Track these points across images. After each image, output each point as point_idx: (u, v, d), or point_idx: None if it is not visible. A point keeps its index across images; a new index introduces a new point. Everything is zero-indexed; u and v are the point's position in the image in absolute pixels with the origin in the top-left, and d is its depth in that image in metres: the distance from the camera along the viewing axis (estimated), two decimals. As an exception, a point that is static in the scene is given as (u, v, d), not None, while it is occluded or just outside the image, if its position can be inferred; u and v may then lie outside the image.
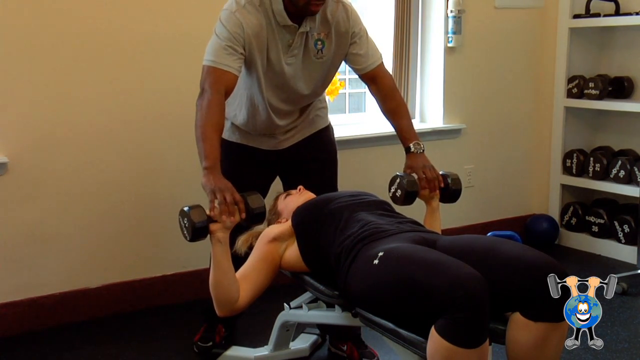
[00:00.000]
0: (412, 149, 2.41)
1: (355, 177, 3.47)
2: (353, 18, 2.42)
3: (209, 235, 2.02)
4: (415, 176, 2.34)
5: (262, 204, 2.07)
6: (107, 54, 2.97)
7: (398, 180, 2.33)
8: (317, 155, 2.64)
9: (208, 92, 2.23)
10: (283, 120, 2.52)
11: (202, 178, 2.10)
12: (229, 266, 2.03)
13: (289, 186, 2.60)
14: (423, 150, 2.42)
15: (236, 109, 2.51)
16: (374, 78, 2.49)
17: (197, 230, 1.97)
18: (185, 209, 1.99)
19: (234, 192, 2.05)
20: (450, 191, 2.39)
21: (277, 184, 2.70)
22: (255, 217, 2.06)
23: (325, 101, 2.71)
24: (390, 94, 2.51)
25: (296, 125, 2.59)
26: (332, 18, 2.37)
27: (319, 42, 2.37)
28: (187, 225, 1.99)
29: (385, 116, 2.53)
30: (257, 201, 2.06)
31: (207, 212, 2.01)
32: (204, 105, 2.21)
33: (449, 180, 2.39)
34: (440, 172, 2.42)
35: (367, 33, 2.48)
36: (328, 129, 2.70)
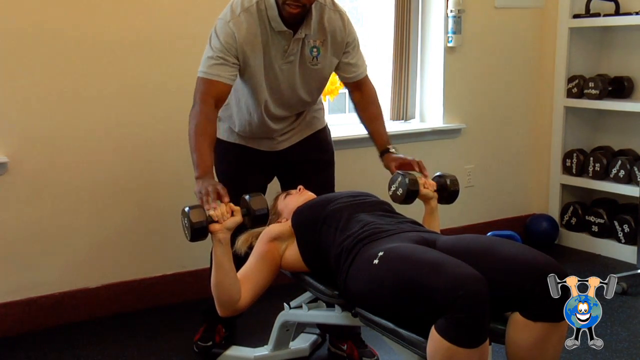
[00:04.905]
0: (392, 150, 2.48)
1: (354, 177, 3.48)
2: (349, 28, 2.45)
3: (210, 235, 2.03)
4: (416, 175, 2.34)
5: (265, 205, 2.07)
6: (108, 54, 2.97)
7: (399, 179, 2.33)
8: (314, 156, 2.65)
9: (197, 103, 2.29)
10: (279, 125, 2.54)
11: (194, 188, 2.14)
12: (230, 266, 2.03)
13: (286, 187, 2.61)
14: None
15: (232, 115, 2.53)
16: (359, 86, 2.55)
17: (196, 231, 1.97)
18: (186, 209, 1.99)
19: (216, 184, 2.07)
20: (448, 192, 2.39)
21: (274, 184, 2.71)
22: (258, 219, 2.06)
23: (322, 103, 2.73)
24: (374, 101, 2.58)
25: (293, 128, 2.60)
26: (329, 26, 2.39)
27: (315, 49, 2.40)
28: (187, 225, 1.99)
29: (364, 120, 2.57)
30: (260, 203, 2.06)
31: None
32: (193, 116, 2.27)
33: (447, 182, 2.39)
34: (438, 174, 2.43)
35: (359, 42, 2.52)
36: (325, 130, 2.71)
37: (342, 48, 2.44)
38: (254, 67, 2.36)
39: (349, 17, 2.47)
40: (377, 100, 2.60)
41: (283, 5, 2.25)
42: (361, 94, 2.56)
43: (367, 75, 2.57)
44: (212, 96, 2.29)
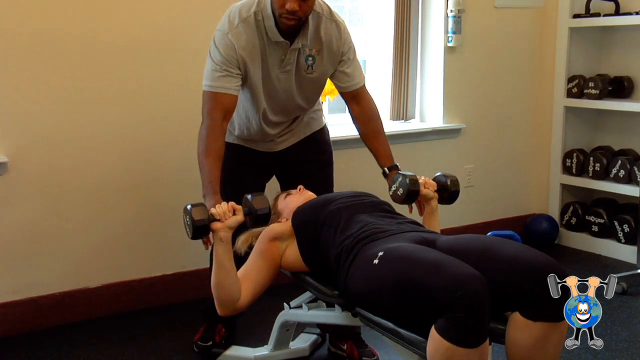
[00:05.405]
0: (399, 166, 2.47)
1: (354, 177, 3.48)
2: (345, 37, 2.45)
3: (211, 234, 2.03)
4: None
5: (267, 205, 2.08)
6: (108, 54, 2.97)
7: (400, 179, 2.33)
8: (312, 157, 2.66)
9: (205, 120, 2.31)
10: (275, 129, 2.56)
11: None
12: (231, 266, 2.04)
13: (285, 186, 2.62)
14: None
15: (232, 118, 2.53)
16: (356, 97, 2.53)
17: (198, 229, 1.98)
18: (188, 206, 2.00)
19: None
20: (448, 192, 2.39)
21: (274, 183, 2.71)
22: (259, 218, 2.06)
23: (320, 104, 2.73)
24: (375, 116, 2.56)
25: (291, 129, 2.62)
26: (325, 36, 2.40)
27: (310, 58, 2.40)
28: (188, 223, 2.00)
29: (365, 135, 2.55)
30: (262, 202, 2.07)
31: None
32: (202, 134, 2.29)
33: (448, 182, 2.39)
34: (439, 174, 2.43)
35: (355, 53, 2.52)
36: (323, 131, 2.72)
37: (338, 57, 2.45)
38: (253, 77, 2.38)
39: (347, 26, 2.48)
40: (378, 114, 2.57)
41: (279, 17, 2.26)
42: (359, 108, 2.53)
43: (364, 87, 2.54)
44: (219, 110, 2.31)
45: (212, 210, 2.02)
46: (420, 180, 2.33)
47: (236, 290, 2.05)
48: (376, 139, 2.53)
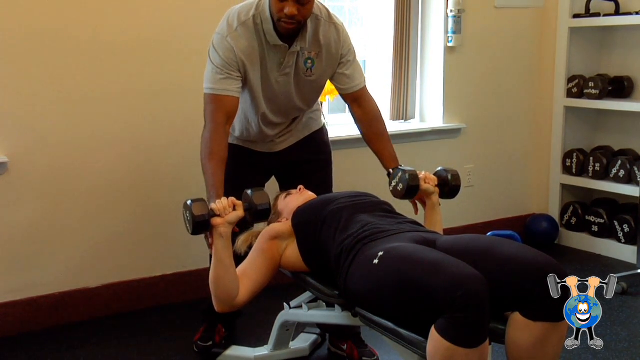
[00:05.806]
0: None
1: (354, 177, 3.48)
2: (344, 39, 2.46)
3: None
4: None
5: (267, 200, 2.08)
6: (108, 55, 2.97)
7: (400, 174, 2.32)
8: (311, 157, 2.66)
9: (208, 123, 2.32)
10: (274, 130, 2.57)
11: None
12: (230, 262, 2.04)
13: (284, 186, 2.62)
14: None
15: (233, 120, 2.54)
16: (357, 100, 2.52)
17: (198, 224, 1.98)
18: (189, 202, 2.01)
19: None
20: (449, 187, 2.38)
21: (273, 183, 2.71)
22: (260, 213, 2.07)
23: (319, 104, 2.73)
24: (377, 117, 2.55)
25: (290, 130, 2.62)
26: (324, 39, 2.40)
27: (309, 61, 2.41)
28: (189, 218, 2.00)
29: (369, 138, 2.54)
30: (262, 197, 2.07)
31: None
32: (205, 138, 2.30)
33: (449, 177, 2.38)
34: (440, 169, 2.43)
35: (355, 55, 2.52)
36: (322, 131, 2.72)
37: (337, 59, 2.45)
38: (252, 80, 2.38)
39: (346, 29, 2.48)
40: (380, 116, 2.56)
41: (278, 21, 2.27)
42: (361, 110, 2.53)
43: (365, 89, 2.53)
44: (222, 113, 2.31)
45: (213, 205, 2.03)
46: (420, 175, 2.33)
47: (234, 287, 2.05)
48: (380, 141, 2.52)
